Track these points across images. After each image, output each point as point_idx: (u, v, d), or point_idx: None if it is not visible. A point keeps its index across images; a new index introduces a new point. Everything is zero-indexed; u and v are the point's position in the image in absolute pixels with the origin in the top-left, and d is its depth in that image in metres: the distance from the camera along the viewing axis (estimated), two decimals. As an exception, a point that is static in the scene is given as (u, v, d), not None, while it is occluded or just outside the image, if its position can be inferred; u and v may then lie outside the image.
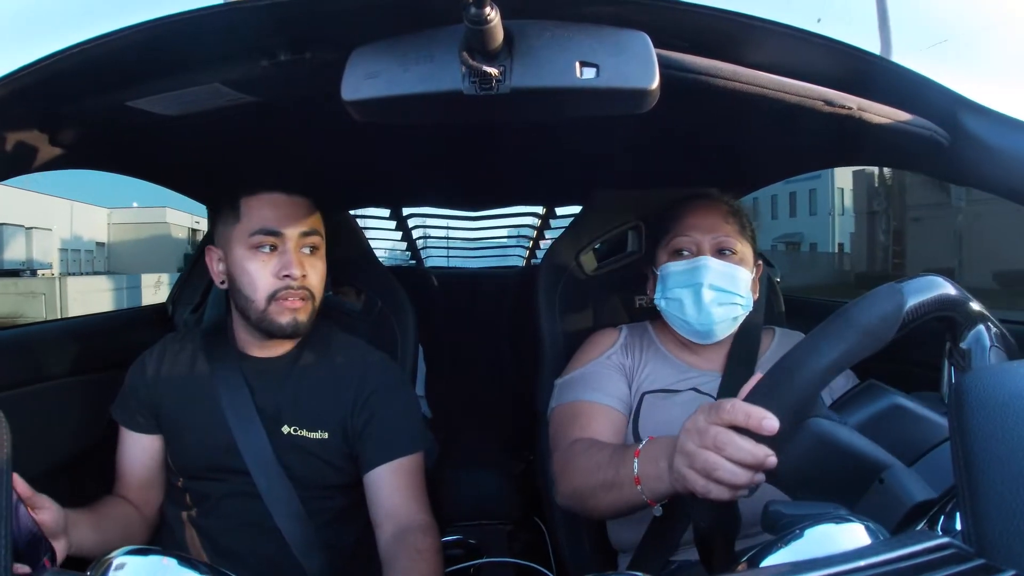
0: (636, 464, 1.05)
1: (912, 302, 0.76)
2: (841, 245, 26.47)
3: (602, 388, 1.38)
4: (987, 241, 16.79)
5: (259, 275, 1.29)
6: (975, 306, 0.81)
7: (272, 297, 1.28)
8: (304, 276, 1.29)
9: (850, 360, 0.75)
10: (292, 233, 1.30)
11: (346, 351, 1.42)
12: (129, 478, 1.36)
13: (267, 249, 1.29)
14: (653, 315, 1.48)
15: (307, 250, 1.32)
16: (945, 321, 0.81)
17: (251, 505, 1.29)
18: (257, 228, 1.29)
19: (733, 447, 0.80)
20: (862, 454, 0.74)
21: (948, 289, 0.79)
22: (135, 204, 37.45)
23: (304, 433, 1.32)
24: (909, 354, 1.13)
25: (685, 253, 1.37)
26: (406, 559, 1.22)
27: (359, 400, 1.34)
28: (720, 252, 1.36)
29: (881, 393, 0.80)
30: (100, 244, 35.69)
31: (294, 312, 1.29)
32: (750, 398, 0.80)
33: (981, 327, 0.80)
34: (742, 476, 0.80)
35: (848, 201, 26.29)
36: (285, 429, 1.31)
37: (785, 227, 28.97)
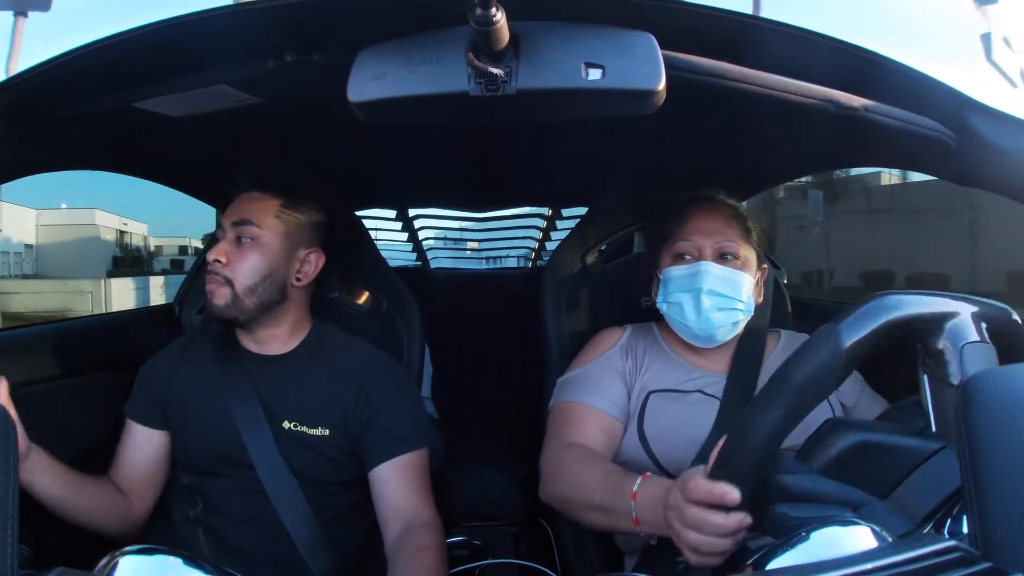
0: (634, 507, 1.05)
1: (851, 340, 0.73)
2: None
3: (598, 391, 1.37)
4: (851, 247, 19.42)
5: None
6: (940, 307, 0.77)
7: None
8: (222, 263, 1.34)
9: (797, 417, 0.74)
10: (227, 223, 1.37)
11: (348, 350, 1.44)
12: (126, 468, 1.39)
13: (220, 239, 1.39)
14: (659, 316, 1.48)
15: (241, 240, 1.36)
16: (910, 335, 0.79)
17: (257, 502, 1.30)
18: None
19: (708, 525, 0.82)
20: (833, 498, 0.74)
21: (892, 312, 0.74)
22: (64, 205, 37.78)
23: (304, 429, 1.34)
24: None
25: (687, 257, 1.37)
26: (408, 556, 1.22)
27: (360, 397, 1.36)
28: (722, 257, 1.36)
29: (844, 432, 0.79)
30: (29, 246, 35.53)
31: (209, 294, 1.35)
32: (712, 472, 0.81)
33: (953, 325, 0.76)
34: (723, 544, 0.83)
35: None
36: (286, 425, 1.34)
37: None
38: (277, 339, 1.42)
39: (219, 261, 1.33)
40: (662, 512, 0.96)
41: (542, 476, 1.30)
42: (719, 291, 1.33)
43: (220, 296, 1.33)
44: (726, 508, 0.80)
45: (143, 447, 1.39)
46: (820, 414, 1.35)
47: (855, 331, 0.73)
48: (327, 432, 1.34)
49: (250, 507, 1.32)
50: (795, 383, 0.74)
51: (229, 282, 1.33)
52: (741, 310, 1.35)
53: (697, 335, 1.36)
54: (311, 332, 1.44)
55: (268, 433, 1.32)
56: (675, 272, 1.37)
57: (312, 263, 1.42)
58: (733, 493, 0.78)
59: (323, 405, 1.36)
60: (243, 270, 1.34)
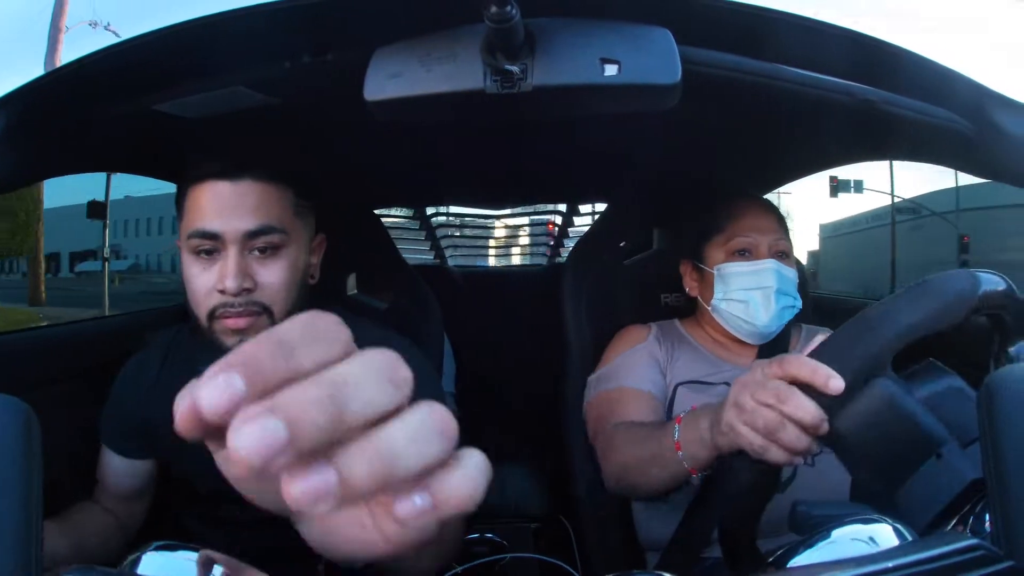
0: (677, 430, 1.03)
1: (985, 288, 0.74)
2: None
3: (638, 375, 1.37)
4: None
5: (196, 285, 1.05)
6: None
7: (212, 315, 1.04)
8: (249, 288, 1.03)
9: (926, 327, 0.73)
10: (233, 233, 1.03)
11: (364, 338, 1.31)
12: (111, 492, 1.21)
13: (209, 253, 1.05)
14: (681, 313, 1.48)
15: (261, 251, 1.05)
16: (997, 320, 0.79)
17: (281, 532, 1.18)
18: (192, 229, 1.04)
19: (794, 403, 0.76)
20: (925, 425, 0.72)
21: (1012, 288, 0.77)
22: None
23: None
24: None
25: (746, 254, 1.37)
26: None
27: None
28: (779, 255, 1.36)
29: (942, 373, 0.78)
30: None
31: (239, 333, 1.03)
32: (817, 354, 0.77)
33: None
34: (803, 441, 0.78)
35: None
36: None
37: None
38: None
39: (247, 288, 1.03)
40: (708, 422, 0.94)
41: (601, 467, 1.29)
42: (786, 290, 1.33)
43: (257, 330, 1.00)
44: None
45: (124, 476, 1.21)
46: None
47: (988, 284, 0.75)
48: None
49: (278, 529, 1.20)
50: (940, 294, 0.74)
51: (266, 309, 1.05)
52: (796, 307, 1.36)
53: (759, 332, 1.36)
54: None
55: None
56: (738, 268, 1.36)
57: (319, 252, 1.20)
58: (839, 380, 0.73)
59: None
60: (277, 290, 1.06)
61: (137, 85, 1.03)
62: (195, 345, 1.21)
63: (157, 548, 0.67)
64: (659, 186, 1.77)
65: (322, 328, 0.37)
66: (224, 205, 1.03)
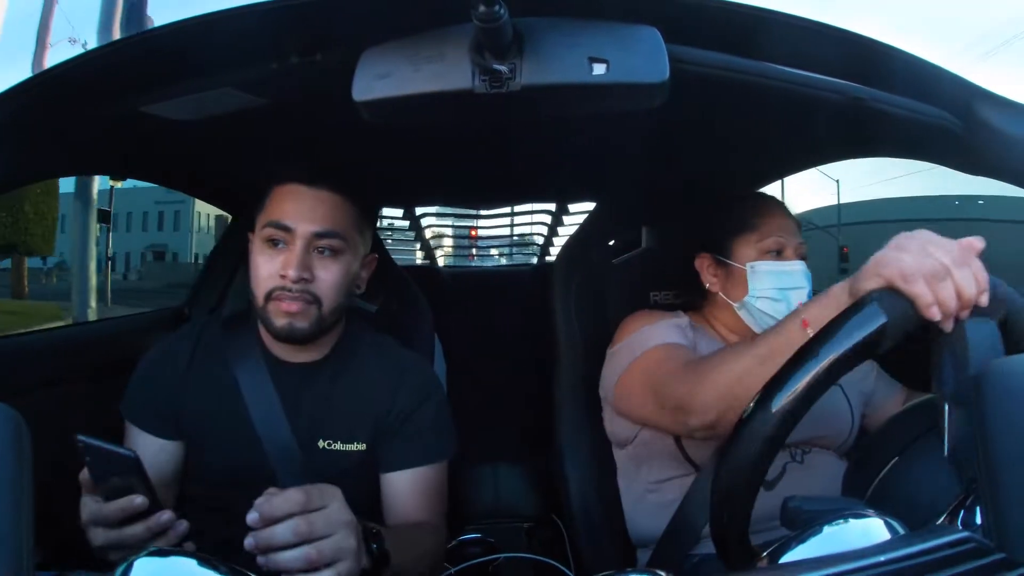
0: (804, 311, 1.00)
1: None
2: (197, 255, 32.44)
3: (677, 337, 1.36)
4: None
5: (262, 270, 1.20)
6: None
7: (269, 296, 1.19)
8: (307, 279, 1.18)
9: None
10: (303, 230, 1.18)
11: (381, 354, 1.34)
12: None
13: (278, 244, 1.20)
14: (676, 309, 1.48)
15: (322, 252, 1.20)
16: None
17: None
18: (269, 220, 1.20)
19: (974, 267, 0.77)
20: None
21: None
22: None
23: (340, 447, 1.24)
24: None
25: (778, 254, 1.37)
26: (402, 526, 1.20)
27: (396, 404, 1.27)
28: (803, 258, 1.38)
29: None
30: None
31: (290, 316, 1.18)
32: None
33: None
34: (954, 301, 0.76)
35: (211, 222, 31.32)
36: (321, 444, 1.24)
37: (154, 238, 35.51)
38: (316, 346, 1.28)
39: (305, 278, 1.17)
40: (845, 284, 0.91)
41: (687, 410, 1.17)
42: (811, 293, 1.34)
43: (306, 317, 1.18)
44: None
45: (154, 457, 1.23)
46: (834, 404, 1.36)
47: None
48: (363, 447, 1.25)
49: None
50: None
51: (317, 300, 1.19)
52: None
53: None
54: (344, 335, 1.33)
55: (296, 450, 1.22)
56: (773, 268, 1.36)
57: (369, 267, 1.34)
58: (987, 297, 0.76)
59: (358, 416, 1.26)
60: (330, 286, 1.20)
61: (124, 86, 1.03)
62: (225, 337, 1.32)
63: (150, 554, 0.67)
64: (649, 185, 1.77)
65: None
66: (301, 206, 1.20)
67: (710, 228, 1.47)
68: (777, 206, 1.42)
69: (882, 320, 0.73)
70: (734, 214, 1.44)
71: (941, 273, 0.76)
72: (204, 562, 0.68)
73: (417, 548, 1.14)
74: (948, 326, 0.75)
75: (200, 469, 1.27)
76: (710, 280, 1.44)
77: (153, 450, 1.25)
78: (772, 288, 1.35)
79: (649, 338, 1.36)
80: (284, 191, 1.22)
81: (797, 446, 1.32)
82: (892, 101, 1.01)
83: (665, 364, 1.28)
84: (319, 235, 1.19)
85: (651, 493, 1.40)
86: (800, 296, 1.33)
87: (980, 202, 18.29)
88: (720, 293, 1.42)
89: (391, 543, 1.01)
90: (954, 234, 0.83)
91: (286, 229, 1.18)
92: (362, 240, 1.28)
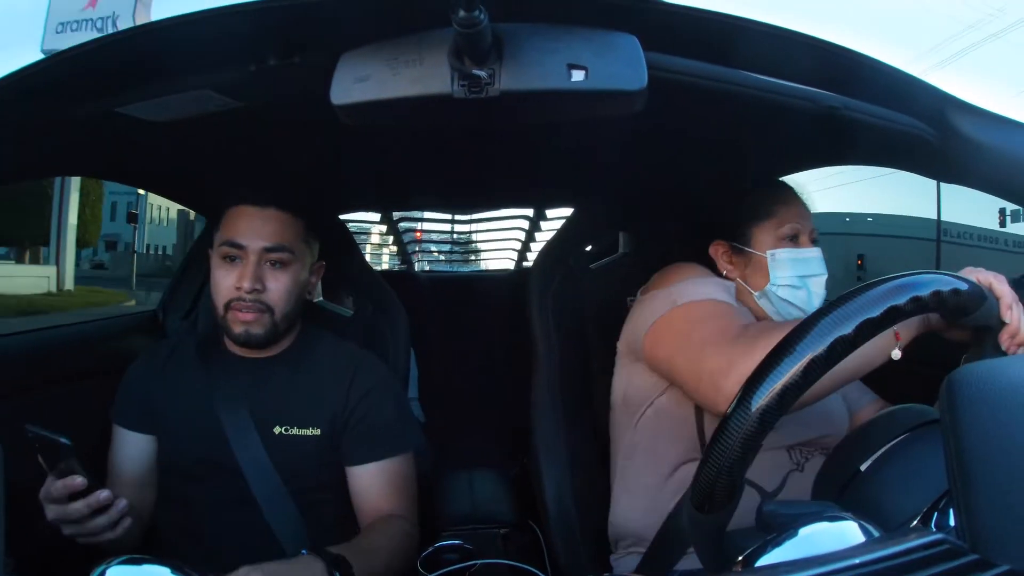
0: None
1: None
2: (149, 246, 33.14)
3: (729, 299, 1.33)
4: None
5: (221, 283, 1.33)
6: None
7: (227, 306, 1.33)
8: (259, 290, 1.31)
9: None
10: (254, 247, 1.31)
11: (336, 352, 1.44)
12: (123, 477, 1.36)
13: (233, 260, 1.33)
14: None
15: (273, 264, 1.34)
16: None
17: (245, 510, 1.28)
18: (224, 239, 1.33)
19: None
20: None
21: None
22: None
23: (295, 431, 1.34)
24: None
25: (795, 240, 1.37)
26: (372, 526, 1.29)
27: (351, 399, 1.36)
28: (815, 243, 1.39)
29: None
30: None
31: (246, 324, 1.32)
32: None
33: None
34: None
35: (172, 214, 32.79)
36: (277, 430, 1.33)
37: (107, 228, 34.72)
38: (275, 347, 1.40)
39: (257, 289, 1.31)
40: None
41: (726, 374, 1.08)
42: (826, 280, 1.36)
43: (260, 324, 1.32)
44: None
45: (133, 453, 1.37)
46: (835, 403, 1.36)
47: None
48: (318, 432, 1.34)
49: (239, 515, 1.29)
50: None
51: (269, 308, 1.33)
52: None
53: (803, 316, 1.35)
54: (299, 334, 1.44)
55: (258, 439, 1.31)
56: (792, 255, 1.36)
57: (319, 275, 1.46)
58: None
59: (313, 406, 1.35)
60: (281, 295, 1.34)
61: (99, 87, 1.02)
62: (199, 343, 1.45)
63: (122, 562, 0.66)
64: (626, 191, 1.78)
65: None
66: (251, 225, 1.33)
67: (727, 215, 1.45)
68: (793, 194, 1.42)
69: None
70: (753, 201, 1.43)
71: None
72: (176, 569, 0.67)
73: (383, 554, 1.24)
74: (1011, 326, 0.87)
75: (170, 462, 1.36)
76: (727, 268, 1.42)
77: (139, 447, 1.38)
78: (793, 276, 1.35)
79: (696, 290, 1.31)
80: (236, 212, 1.35)
81: (800, 451, 1.31)
82: (866, 110, 1.02)
83: (712, 321, 1.22)
84: (268, 249, 1.32)
85: (651, 489, 1.37)
86: (819, 283, 1.34)
87: (869, 219, 19.39)
88: (739, 280, 1.40)
89: (357, 563, 1.12)
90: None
91: (239, 246, 1.32)
92: (309, 251, 1.42)
